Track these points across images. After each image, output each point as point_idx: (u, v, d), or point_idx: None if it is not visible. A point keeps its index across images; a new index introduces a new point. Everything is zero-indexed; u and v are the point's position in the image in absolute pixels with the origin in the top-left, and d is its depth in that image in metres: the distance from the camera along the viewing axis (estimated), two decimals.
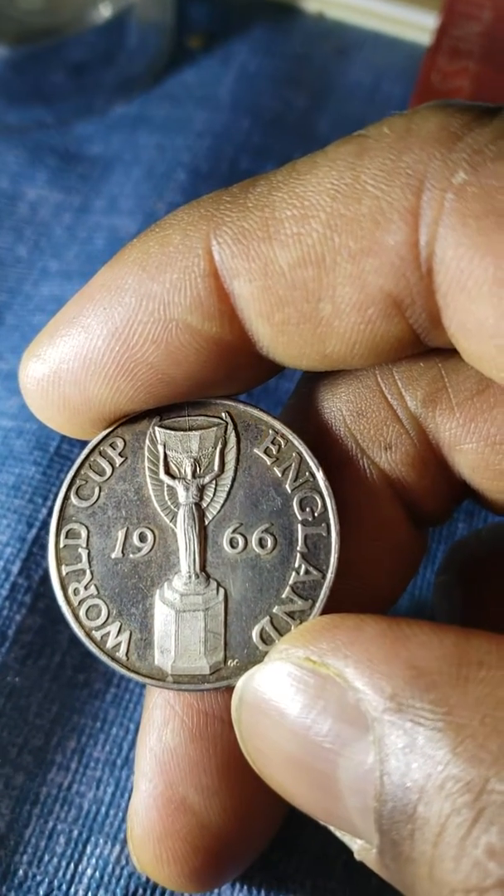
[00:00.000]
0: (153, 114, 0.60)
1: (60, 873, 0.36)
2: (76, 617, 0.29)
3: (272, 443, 0.29)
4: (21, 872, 0.36)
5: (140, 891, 0.35)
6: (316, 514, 0.29)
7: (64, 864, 0.36)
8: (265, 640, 0.28)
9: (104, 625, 0.29)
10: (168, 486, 0.29)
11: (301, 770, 0.24)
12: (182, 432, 0.29)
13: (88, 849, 0.36)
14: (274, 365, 0.28)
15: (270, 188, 0.26)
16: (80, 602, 0.29)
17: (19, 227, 0.55)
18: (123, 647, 0.29)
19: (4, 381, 0.48)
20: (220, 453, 0.29)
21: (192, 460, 0.29)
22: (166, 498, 0.29)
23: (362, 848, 0.24)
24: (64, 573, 0.29)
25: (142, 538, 0.29)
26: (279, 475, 0.29)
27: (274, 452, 0.29)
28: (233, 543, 0.29)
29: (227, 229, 0.26)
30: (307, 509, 0.29)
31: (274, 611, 0.28)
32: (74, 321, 0.28)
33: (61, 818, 0.37)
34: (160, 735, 0.30)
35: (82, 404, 0.28)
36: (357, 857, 0.24)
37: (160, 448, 0.29)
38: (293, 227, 0.25)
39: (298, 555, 0.29)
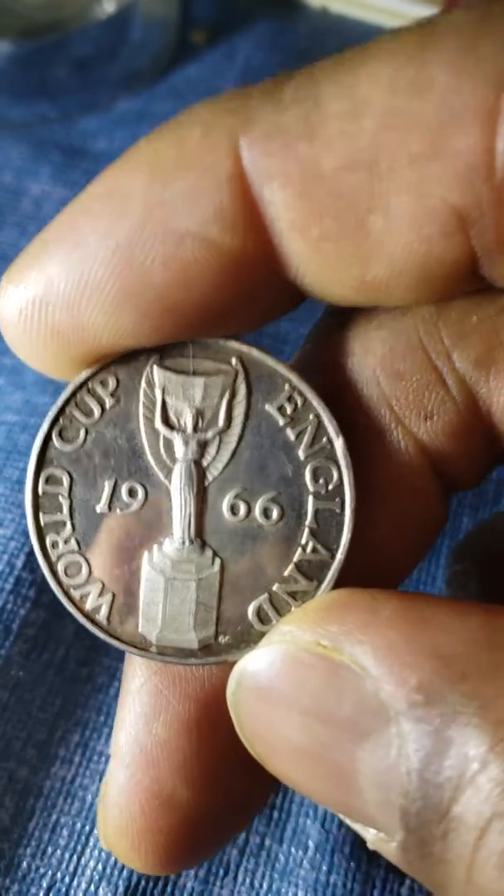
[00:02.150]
0: (157, 109, 0.60)
1: (64, 866, 0.36)
2: (53, 573, 0.26)
3: (288, 400, 0.26)
4: (25, 865, 0.36)
5: (143, 883, 0.35)
6: (330, 487, 0.25)
7: (67, 856, 0.36)
8: (262, 618, 0.26)
9: (84, 584, 0.26)
10: (165, 437, 0.26)
11: (313, 762, 0.22)
12: (185, 376, 0.26)
13: (91, 841, 0.36)
14: (298, 294, 0.24)
15: (312, 81, 0.22)
16: (59, 557, 0.26)
17: (23, 222, 0.55)
18: (104, 611, 0.26)
19: (9, 376, 0.48)
20: (227, 406, 0.26)
21: (193, 411, 0.26)
22: (162, 451, 0.26)
23: (379, 839, 0.22)
24: (42, 523, 0.26)
25: (131, 493, 0.26)
26: (292, 438, 0.26)
27: (288, 411, 0.26)
28: (234, 510, 0.26)
29: (260, 125, 0.22)
30: (321, 480, 0.25)
31: (274, 588, 0.26)
32: (67, 237, 0.24)
33: (65, 811, 0.37)
34: (150, 726, 0.27)
35: (73, 335, 0.24)
36: (371, 846, 0.23)
37: (158, 392, 0.26)
38: (341, 125, 0.21)
39: (306, 530, 0.26)
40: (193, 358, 0.26)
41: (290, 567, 0.26)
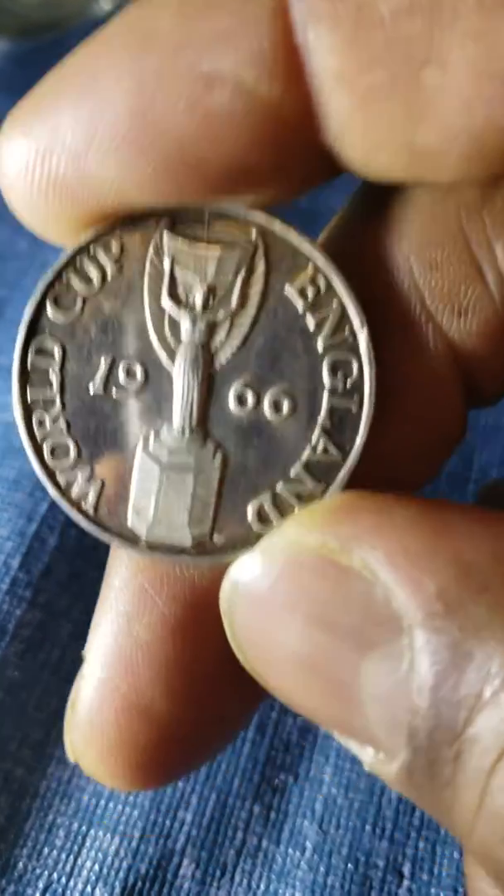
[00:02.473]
0: None
1: (60, 866, 0.36)
2: (38, 454, 0.24)
3: (311, 282, 0.23)
4: (21, 865, 0.36)
5: (139, 883, 0.35)
6: (348, 384, 0.23)
7: (63, 857, 0.36)
8: (262, 519, 0.24)
9: (71, 469, 0.24)
10: (170, 315, 0.23)
11: (312, 674, 0.21)
12: (198, 247, 0.23)
13: (88, 842, 0.36)
14: (332, 164, 0.22)
15: None
16: (45, 437, 0.24)
17: (17, 220, 0.55)
18: (91, 499, 0.24)
19: (6, 375, 0.48)
20: (243, 284, 0.23)
21: (204, 287, 0.23)
22: (166, 330, 0.24)
23: (378, 760, 0.20)
24: (29, 398, 0.24)
25: (129, 374, 0.23)
26: (312, 326, 0.23)
27: (310, 295, 0.23)
28: (241, 400, 0.24)
29: None
30: (339, 375, 0.23)
31: (278, 488, 0.24)
32: (79, 77, 0.21)
33: (61, 811, 0.37)
34: (131, 628, 0.24)
35: (79, 190, 0.22)
36: (368, 768, 0.21)
37: (167, 263, 0.23)
38: None
39: (319, 428, 0.23)
40: (209, 227, 0.23)
41: (298, 466, 0.24)
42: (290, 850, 0.36)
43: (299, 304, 0.23)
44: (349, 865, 0.35)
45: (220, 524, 0.24)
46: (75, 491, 0.24)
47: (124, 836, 0.36)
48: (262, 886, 0.35)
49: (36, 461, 0.24)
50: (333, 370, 0.23)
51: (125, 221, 0.23)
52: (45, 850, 0.36)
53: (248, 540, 0.23)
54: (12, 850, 0.36)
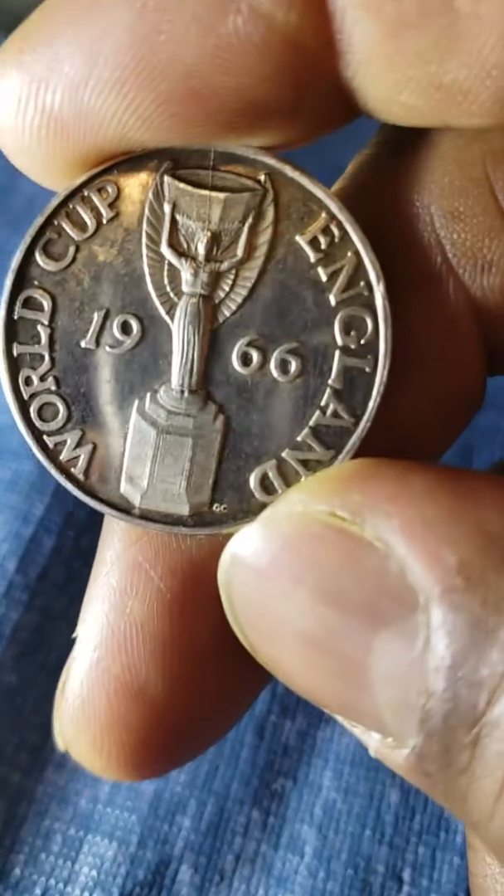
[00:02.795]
0: None
1: (57, 872, 0.35)
2: (24, 414, 0.22)
3: (323, 231, 0.21)
4: (17, 872, 0.35)
5: (137, 889, 0.35)
6: (363, 341, 0.21)
7: (60, 863, 0.36)
8: (266, 488, 0.22)
9: (60, 430, 0.22)
10: (170, 264, 0.22)
11: (317, 653, 0.19)
12: (202, 191, 0.21)
13: (85, 847, 0.36)
14: (350, 105, 0.20)
15: None
16: (33, 396, 0.22)
17: (15, 220, 0.55)
18: (81, 463, 0.22)
19: None
20: (250, 232, 0.21)
21: (208, 234, 0.21)
22: (165, 281, 0.22)
23: (384, 745, 0.19)
24: (15, 353, 0.22)
25: (125, 329, 0.22)
26: (324, 279, 0.22)
27: (323, 246, 0.21)
28: (245, 359, 0.22)
29: None
30: (352, 333, 0.22)
31: (283, 455, 0.22)
32: (78, 1, 0.19)
33: (58, 817, 0.36)
34: (124, 604, 0.23)
35: (76, 125, 0.20)
36: (373, 753, 0.20)
37: (167, 208, 0.21)
38: None
39: (329, 390, 0.22)
40: (214, 170, 0.21)
41: (305, 431, 0.22)
42: (289, 856, 0.36)
43: (311, 255, 0.22)
44: (349, 871, 0.35)
45: (220, 493, 0.22)
46: (64, 455, 0.22)
47: (122, 842, 0.36)
48: (261, 892, 0.35)
49: (22, 422, 0.22)
50: (346, 327, 0.22)
51: (124, 163, 0.21)
52: (42, 855, 0.36)
53: (250, 510, 0.22)
54: (9, 855, 0.36)
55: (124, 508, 0.22)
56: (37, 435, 0.22)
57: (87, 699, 0.23)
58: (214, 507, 0.22)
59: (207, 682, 0.23)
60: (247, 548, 0.20)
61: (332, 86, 0.19)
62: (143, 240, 0.22)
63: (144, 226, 0.22)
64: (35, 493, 0.42)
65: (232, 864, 0.36)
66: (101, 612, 0.23)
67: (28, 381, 0.22)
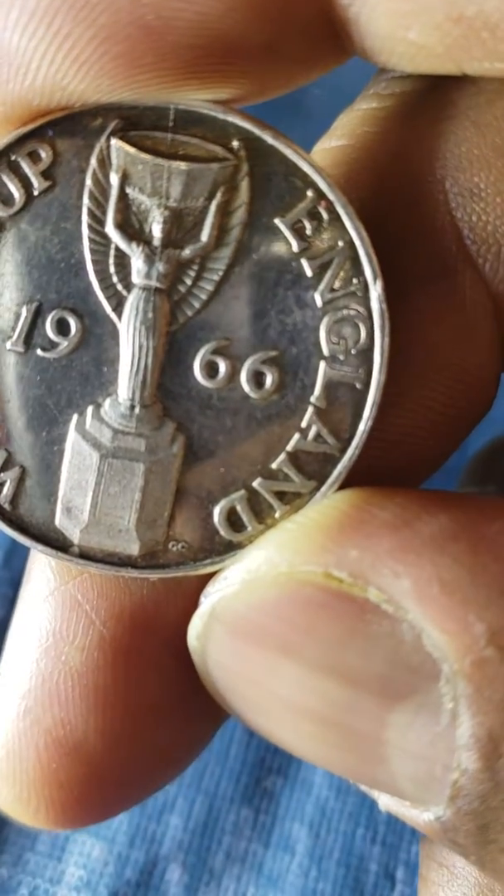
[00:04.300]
0: None
1: (43, 872, 0.35)
2: None
3: (309, 214, 0.17)
4: (3, 872, 0.35)
5: (125, 889, 0.34)
6: (353, 351, 0.18)
7: (47, 863, 0.35)
8: (233, 524, 0.19)
9: None
10: (118, 249, 0.18)
11: (324, 728, 0.17)
12: (158, 159, 0.17)
13: (72, 847, 0.35)
14: (341, 44, 0.16)
15: None
16: None
17: None
18: (7, 490, 0.18)
19: None
20: (218, 212, 0.17)
21: (166, 213, 0.17)
22: (112, 269, 0.18)
23: (399, 805, 0.17)
24: None
25: (61, 328, 0.18)
26: (309, 273, 0.18)
27: (309, 232, 0.17)
28: (211, 370, 0.18)
29: None
30: (341, 341, 0.18)
31: (255, 485, 0.18)
32: None
33: None
34: (59, 650, 0.19)
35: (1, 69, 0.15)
36: (383, 808, 0.18)
37: (115, 179, 0.17)
38: None
39: (311, 409, 0.18)
40: (174, 132, 0.17)
41: (282, 458, 0.18)
42: (281, 855, 0.35)
43: (293, 243, 0.18)
44: (341, 870, 0.34)
45: (178, 528, 0.19)
46: None
47: (109, 841, 0.35)
48: (252, 891, 0.34)
49: None
50: (334, 333, 0.18)
51: (61, 121, 0.17)
52: (28, 855, 0.35)
53: (213, 549, 0.19)
54: None
55: (60, 545, 0.19)
56: None
57: (13, 751, 0.20)
58: (170, 546, 0.19)
59: (153, 737, 0.20)
60: (224, 612, 0.17)
61: (319, 17, 0.15)
62: (85, 217, 0.18)
63: (86, 200, 0.18)
64: None
65: (222, 863, 0.35)
66: (31, 656, 0.19)
67: None
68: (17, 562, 0.40)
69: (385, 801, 0.18)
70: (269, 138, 0.17)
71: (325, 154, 0.19)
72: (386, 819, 0.35)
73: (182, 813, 0.36)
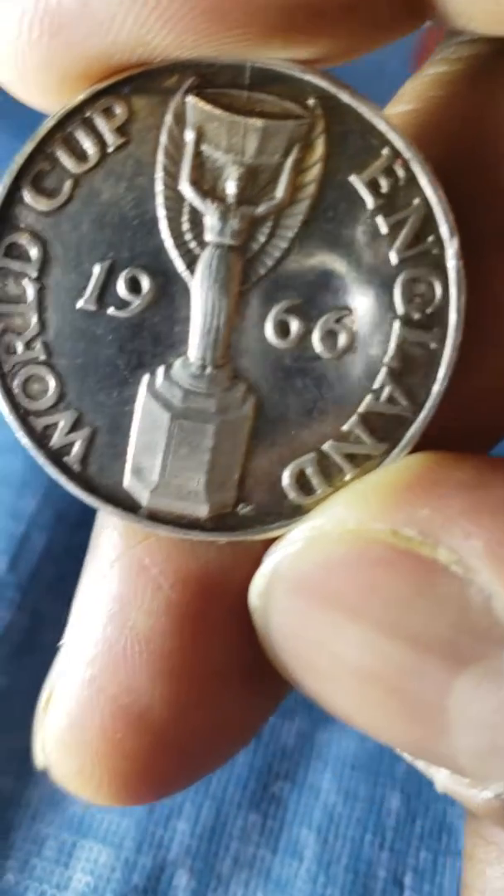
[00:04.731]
0: None
1: (50, 878, 0.35)
2: (6, 389, 0.18)
3: (385, 172, 0.17)
4: (10, 878, 0.35)
5: (131, 895, 0.34)
6: (428, 311, 0.18)
7: (54, 869, 0.35)
8: (303, 487, 0.18)
9: (51, 410, 0.18)
10: (192, 206, 0.17)
11: (383, 692, 0.16)
12: (234, 116, 0.17)
13: (79, 853, 0.35)
14: (419, 7, 0.16)
15: None
16: (16, 367, 0.18)
17: None
18: (77, 451, 0.18)
19: None
20: (293, 169, 0.17)
21: (241, 170, 0.17)
22: (185, 227, 0.18)
23: (457, 783, 0.17)
24: None
25: (133, 286, 0.18)
26: (384, 231, 0.17)
27: (384, 189, 0.17)
28: (283, 329, 0.18)
29: None
30: (416, 300, 0.18)
31: (325, 447, 0.18)
32: None
33: (50, 822, 0.36)
34: (125, 615, 0.19)
35: (79, 21, 0.16)
36: (440, 789, 0.17)
37: (190, 135, 0.17)
38: None
39: (384, 370, 0.18)
40: (251, 90, 0.17)
41: (354, 419, 0.18)
42: (288, 860, 0.35)
43: (369, 200, 0.17)
44: (349, 876, 0.34)
45: (247, 491, 0.18)
46: (56, 440, 0.19)
47: (117, 847, 0.35)
48: (259, 894, 0.34)
49: (3, 398, 0.18)
50: (409, 292, 0.18)
51: (138, 77, 0.17)
52: (35, 862, 0.35)
53: (282, 512, 0.18)
54: (1, 862, 0.35)
55: (129, 507, 0.19)
56: (21, 415, 0.18)
57: (77, 721, 0.20)
58: (239, 509, 0.19)
59: (218, 707, 0.20)
60: (288, 570, 0.17)
61: None
62: (159, 174, 0.17)
63: (160, 157, 0.17)
64: (26, 490, 0.41)
65: (229, 868, 0.35)
66: (97, 622, 0.19)
67: (10, 349, 0.18)
68: (22, 566, 0.40)
69: (442, 781, 0.17)
70: (345, 97, 0.17)
71: (394, 119, 0.19)
72: (394, 825, 0.35)
73: (189, 818, 0.35)
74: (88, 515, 0.37)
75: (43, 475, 0.42)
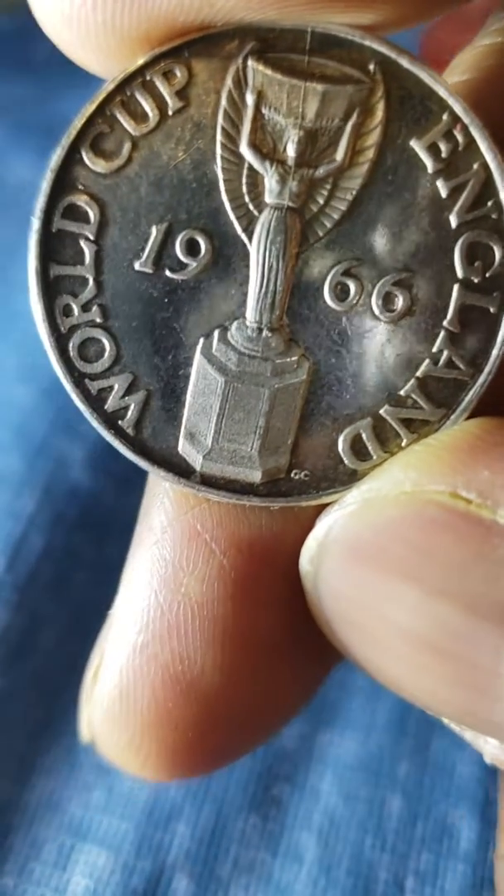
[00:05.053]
0: None
1: (48, 882, 0.34)
2: (62, 351, 0.18)
3: (445, 137, 0.17)
4: (7, 882, 0.34)
5: None
6: (488, 274, 0.17)
7: (52, 872, 0.35)
8: (358, 452, 0.18)
9: (106, 373, 0.18)
10: (251, 168, 0.17)
11: (435, 658, 0.16)
12: (294, 80, 0.17)
13: (77, 857, 0.35)
14: None
15: None
16: (73, 329, 0.18)
17: (4, 209, 0.54)
18: (131, 415, 0.18)
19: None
20: (353, 133, 0.17)
21: (301, 133, 0.17)
22: (244, 189, 0.18)
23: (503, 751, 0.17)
24: (52, 275, 0.18)
25: (190, 248, 0.18)
26: (444, 195, 0.17)
27: (444, 153, 0.17)
28: (341, 291, 0.18)
29: None
30: (476, 263, 0.17)
31: (382, 412, 0.18)
32: None
33: (48, 825, 0.35)
34: (177, 581, 0.19)
35: None
36: (489, 760, 0.17)
37: (250, 98, 0.17)
38: None
39: (443, 333, 0.18)
40: (311, 55, 0.17)
41: (411, 384, 0.18)
42: (289, 863, 0.35)
43: (429, 164, 0.17)
44: (350, 879, 0.34)
45: (301, 456, 0.18)
46: (111, 403, 0.18)
47: (115, 850, 0.35)
48: None
49: (58, 361, 0.18)
50: (469, 256, 0.17)
51: (198, 41, 0.17)
52: (33, 865, 0.35)
53: (336, 478, 0.18)
54: None
55: (182, 471, 0.18)
56: (76, 378, 0.18)
57: (127, 690, 0.19)
58: (293, 474, 0.18)
59: (268, 676, 0.20)
60: (342, 532, 0.17)
61: None
62: (219, 137, 0.17)
63: (220, 119, 0.17)
64: (25, 490, 0.41)
65: (229, 872, 0.35)
66: (149, 587, 0.19)
67: (67, 311, 0.18)
68: (20, 567, 0.40)
69: (491, 751, 0.17)
70: (405, 62, 0.17)
71: (468, 78, 0.19)
72: (395, 827, 0.35)
73: (189, 821, 0.35)
74: (86, 518, 0.36)
75: (41, 476, 0.41)
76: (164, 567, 0.19)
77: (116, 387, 0.18)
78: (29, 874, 0.34)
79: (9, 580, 0.39)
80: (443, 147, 0.17)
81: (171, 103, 0.17)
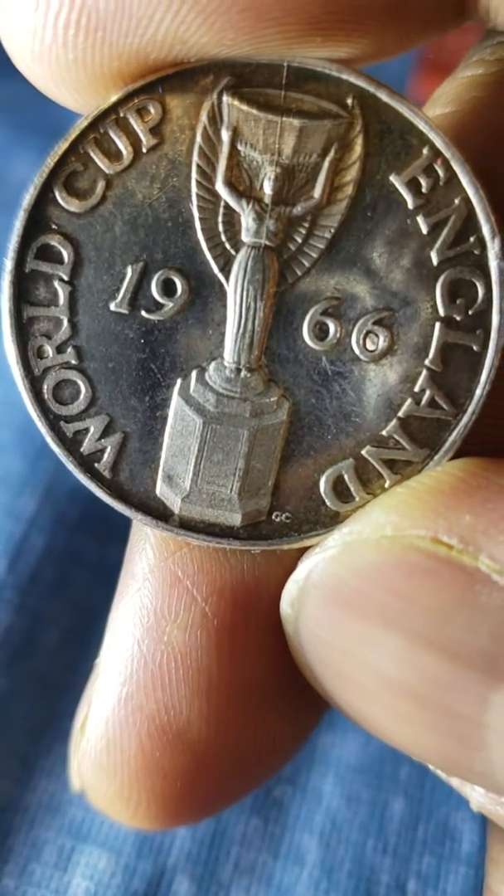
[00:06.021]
0: None
1: (49, 883, 0.34)
2: (36, 394, 0.17)
3: (425, 172, 0.17)
4: (8, 883, 0.34)
5: None
6: (471, 312, 0.17)
7: (52, 874, 0.34)
8: (340, 494, 0.18)
9: (82, 415, 0.18)
10: (227, 206, 0.17)
11: (418, 707, 0.16)
12: (271, 115, 0.16)
13: (78, 858, 0.35)
14: (461, 9, 0.16)
15: None
16: (46, 371, 0.17)
17: (6, 207, 0.54)
18: (108, 457, 0.18)
19: None
20: (331, 169, 0.17)
21: (278, 170, 0.17)
22: (220, 228, 0.17)
23: (495, 803, 0.16)
24: (26, 316, 0.17)
25: (167, 288, 0.17)
26: (425, 231, 0.17)
27: (424, 189, 0.17)
28: (320, 331, 0.17)
29: None
30: (458, 301, 0.17)
31: (364, 453, 0.18)
32: None
33: (49, 827, 0.35)
34: (160, 629, 0.19)
35: (115, 19, 0.15)
36: (475, 808, 0.17)
37: (226, 135, 0.17)
38: None
39: (425, 372, 0.17)
40: (287, 89, 0.16)
41: (393, 424, 0.18)
42: (290, 866, 0.34)
43: (409, 200, 0.17)
44: (352, 881, 0.34)
45: (282, 498, 0.18)
46: (87, 446, 0.18)
47: (116, 852, 0.35)
48: None
49: (32, 403, 0.18)
50: (451, 293, 0.17)
51: (172, 77, 0.16)
52: (34, 867, 0.35)
53: (318, 521, 0.18)
54: None
55: (160, 515, 0.18)
56: (51, 420, 0.18)
57: (114, 740, 0.19)
58: (274, 517, 0.18)
59: (257, 724, 0.20)
60: (322, 576, 0.16)
61: None
62: (194, 174, 0.17)
63: (195, 157, 0.17)
64: (26, 491, 0.41)
65: (230, 874, 0.35)
66: (132, 636, 0.19)
67: (41, 353, 0.18)
68: (21, 567, 0.39)
69: (478, 800, 0.16)
70: (384, 96, 0.17)
71: (448, 111, 0.19)
72: (397, 830, 0.34)
73: None
74: (87, 518, 0.36)
75: (42, 476, 0.41)
76: (146, 615, 0.19)
77: (92, 429, 0.18)
78: (29, 875, 0.34)
79: (10, 581, 0.39)
80: (423, 182, 0.17)
81: (146, 140, 0.17)
